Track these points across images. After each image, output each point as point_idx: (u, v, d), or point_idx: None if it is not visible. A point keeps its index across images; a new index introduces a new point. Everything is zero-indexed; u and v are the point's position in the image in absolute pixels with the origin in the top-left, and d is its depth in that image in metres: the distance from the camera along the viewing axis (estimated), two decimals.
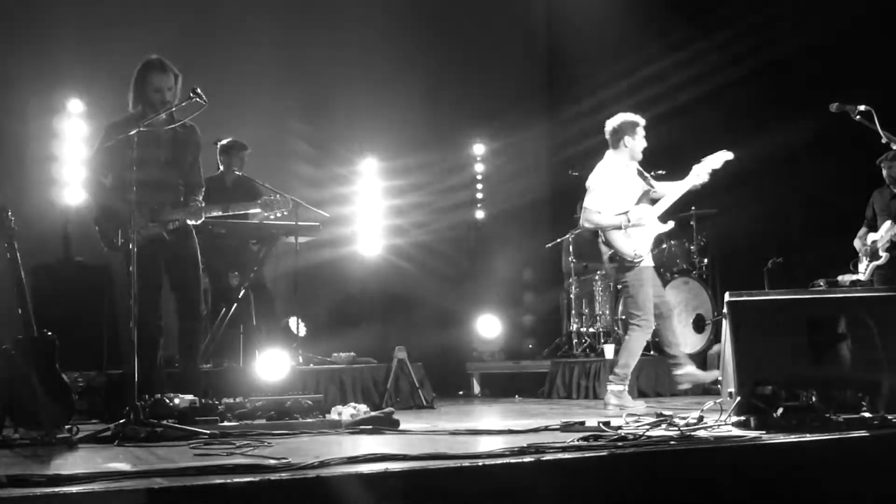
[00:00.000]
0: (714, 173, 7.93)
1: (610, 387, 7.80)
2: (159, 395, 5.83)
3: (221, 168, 8.97)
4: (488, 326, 11.14)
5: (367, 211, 11.71)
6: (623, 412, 6.85)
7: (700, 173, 7.87)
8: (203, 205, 6.83)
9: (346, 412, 6.32)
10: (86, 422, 6.19)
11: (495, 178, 12.44)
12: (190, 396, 5.96)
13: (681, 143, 11.36)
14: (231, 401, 6.21)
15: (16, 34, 9.61)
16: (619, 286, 8.33)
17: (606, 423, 5.38)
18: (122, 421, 5.47)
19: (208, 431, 5.48)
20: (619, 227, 7.87)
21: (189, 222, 6.74)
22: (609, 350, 9.76)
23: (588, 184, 8.07)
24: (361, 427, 5.99)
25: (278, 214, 7.29)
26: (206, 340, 7.67)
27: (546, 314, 11.69)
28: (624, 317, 10.26)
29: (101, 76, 9.44)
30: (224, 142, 9.01)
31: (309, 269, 9.27)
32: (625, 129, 7.99)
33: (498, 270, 11.80)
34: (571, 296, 10.64)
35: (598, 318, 10.39)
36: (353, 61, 11.61)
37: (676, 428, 5.26)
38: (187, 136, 6.81)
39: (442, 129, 11.36)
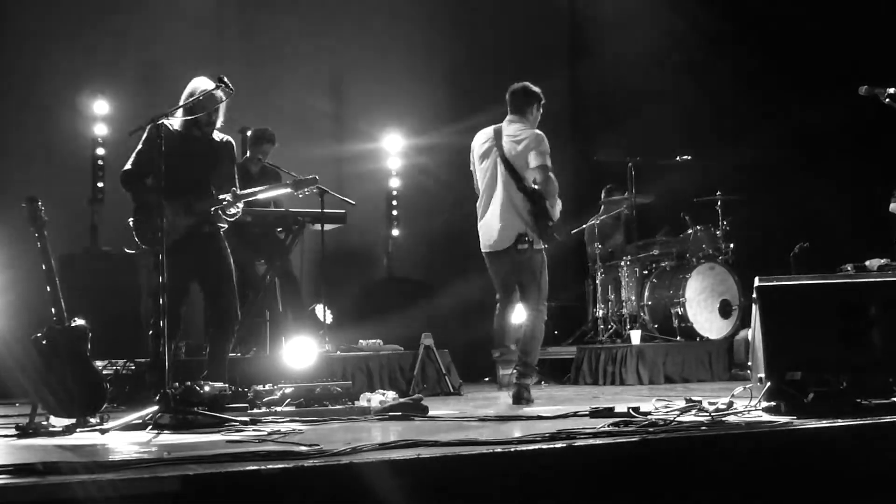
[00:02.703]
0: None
1: (526, 380, 7.30)
2: (190, 383, 5.86)
3: (248, 155, 8.98)
4: (514, 313, 11.10)
5: (391, 192, 11.76)
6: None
7: None
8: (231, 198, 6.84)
9: (374, 399, 6.33)
10: (115, 409, 6.21)
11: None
12: (220, 384, 5.98)
13: (705, 125, 11.37)
14: (260, 388, 6.23)
15: (45, 33, 9.67)
16: (526, 268, 7.40)
17: (636, 409, 5.37)
18: (153, 409, 5.49)
19: (239, 419, 5.51)
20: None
21: (224, 216, 6.75)
22: (636, 336, 9.73)
23: (533, 139, 7.35)
24: (391, 413, 6.00)
25: (307, 192, 7.28)
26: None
27: (571, 301, 11.66)
28: (627, 305, 10.25)
29: (126, 75, 9.51)
30: (253, 130, 9.04)
31: (334, 255, 9.27)
32: (535, 98, 7.53)
33: None
34: (597, 282, 10.61)
35: (624, 304, 10.36)
36: (375, 39, 11.67)
37: (707, 413, 5.25)
38: (224, 148, 6.85)
39: (464, 108, 11.30)
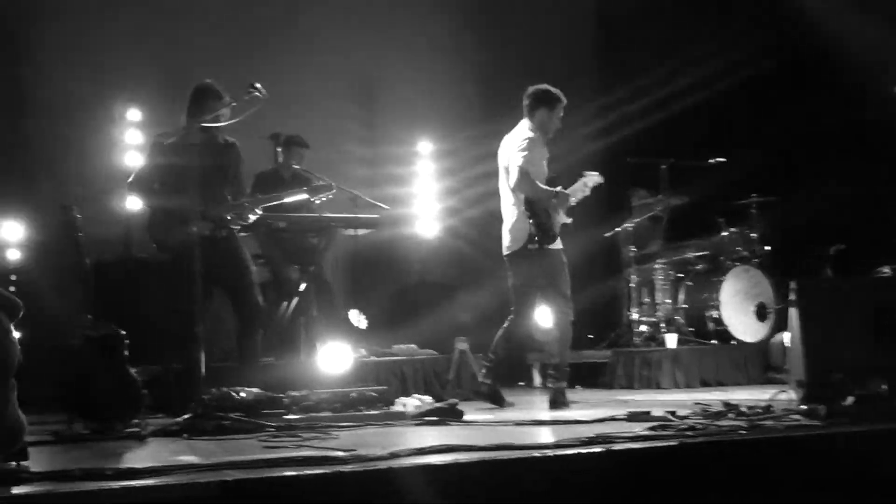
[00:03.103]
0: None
1: (560, 384, 7.34)
2: (226, 389, 5.87)
3: (281, 160, 8.99)
4: (548, 316, 11.06)
5: (423, 194, 11.81)
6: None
7: (587, 185, 7.59)
8: (248, 203, 6.95)
9: (410, 404, 6.33)
10: (152, 416, 6.23)
11: (550, 162, 12.38)
12: (256, 389, 6.00)
13: (738, 125, 11.29)
14: (296, 394, 6.24)
15: (78, 45, 9.74)
16: (539, 272, 7.48)
17: (674, 413, 5.35)
18: (189, 415, 5.50)
19: (275, 424, 5.51)
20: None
21: (240, 221, 6.83)
22: (672, 339, 9.67)
23: (519, 141, 7.42)
24: (427, 418, 6.00)
25: (323, 199, 7.33)
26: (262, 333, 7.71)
27: (604, 304, 11.60)
28: (662, 308, 10.19)
29: (157, 85, 9.56)
30: (285, 137, 9.04)
31: (368, 259, 9.29)
32: (543, 101, 7.59)
33: None
34: (631, 285, 10.55)
35: (658, 307, 10.30)
36: (405, 41, 11.67)
37: (745, 417, 5.21)
38: (229, 150, 7.05)
39: (494, 107, 11.29)
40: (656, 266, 10.43)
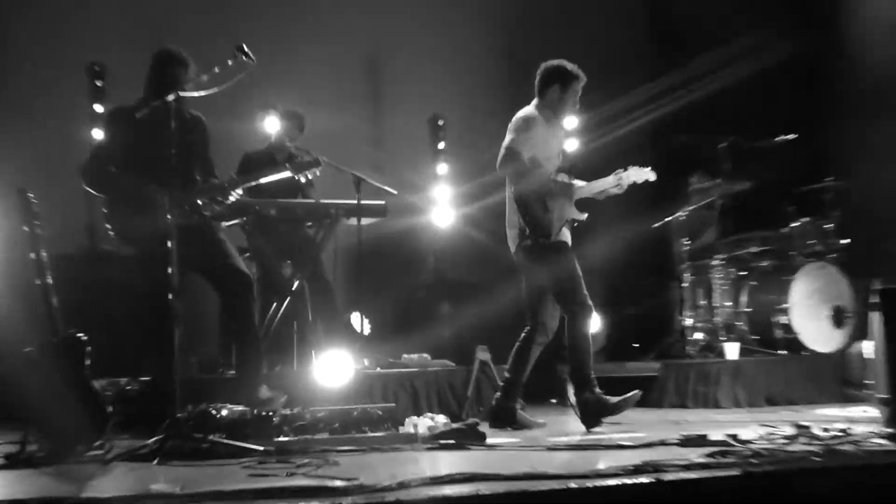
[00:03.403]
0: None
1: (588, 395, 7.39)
2: (205, 406, 5.88)
3: (272, 141, 8.99)
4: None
5: (438, 181, 11.85)
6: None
7: (621, 183, 7.55)
8: (224, 182, 6.98)
9: (422, 424, 6.33)
10: (118, 436, 6.24)
11: (590, 148, 12.36)
12: (240, 407, 6.00)
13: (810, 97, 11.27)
14: (288, 411, 6.24)
15: (37, 4, 9.75)
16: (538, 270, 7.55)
17: (735, 437, 5.33)
18: (161, 435, 5.51)
19: (263, 447, 5.51)
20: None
21: (215, 206, 6.85)
22: (733, 349, 9.63)
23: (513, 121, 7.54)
24: (442, 442, 5.99)
25: (309, 176, 7.35)
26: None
27: (652, 308, 11.58)
28: (721, 312, 10.16)
29: (132, 49, 9.54)
30: (277, 111, 9.04)
31: (373, 255, 9.27)
32: (554, 78, 7.64)
33: (595, 255, 11.73)
34: (684, 285, 10.53)
35: (716, 311, 10.27)
36: (416, 9, 11.66)
37: (818, 441, 5.20)
38: (196, 125, 7.13)
39: (520, 84, 11.29)
40: (714, 263, 10.39)
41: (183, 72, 6.83)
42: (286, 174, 7.30)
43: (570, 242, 7.52)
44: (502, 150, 7.29)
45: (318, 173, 7.45)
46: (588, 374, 7.42)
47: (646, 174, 7.59)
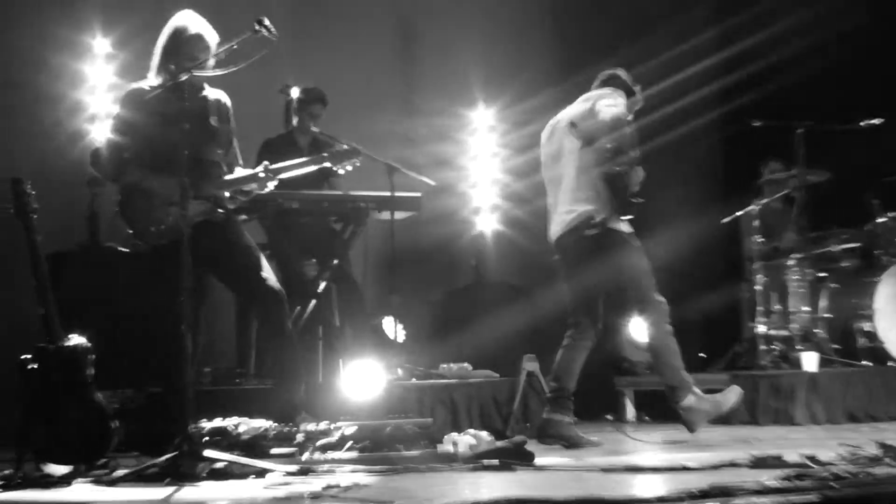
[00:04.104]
0: None
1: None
2: (221, 420, 5.89)
3: (294, 124, 9.01)
4: (644, 329, 11.04)
5: (480, 175, 11.86)
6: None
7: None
8: (258, 171, 6.96)
9: (463, 442, 6.32)
10: (124, 454, 6.26)
11: (649, 133, 12.35)
12: (261, 422, 6.01)
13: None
14: (313, 427, 6.25)
15: None
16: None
17: (812, 458, 5.30)
18: (172, 453, 5.51)
19: (285, 468, 5.52)
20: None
21: (241, 196, 6.86)
22: (811, 360, 9.55)
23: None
24: (485, 462, 5.99)
25: (349, 168, 7.35)
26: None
27: (720, 313, 11.55)
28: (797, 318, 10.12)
29: (139, 23, 9.59)
30: (297, 91, 9.04)
31: (407, 254, 9.28)
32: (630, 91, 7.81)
33: (656, 254, 11.70)
34: (756, 287, 10.48)
35: (792, 317, 10.22)
36: None
37: None
38: (220, 108, 7.08)
39: (572, 69, 11.28)
40: (790, 263, 10.34)
41: (196, 47, 6.80)
42: (325, 164, 7.29)
43: None
44: (610, 116, 7.28)
45: (357, 164, 7.45)
46: (684, 376, 7.44)
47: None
